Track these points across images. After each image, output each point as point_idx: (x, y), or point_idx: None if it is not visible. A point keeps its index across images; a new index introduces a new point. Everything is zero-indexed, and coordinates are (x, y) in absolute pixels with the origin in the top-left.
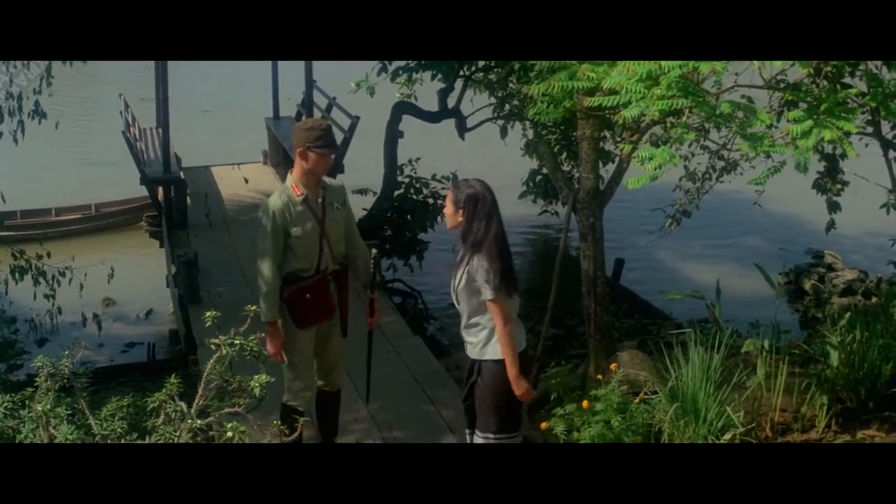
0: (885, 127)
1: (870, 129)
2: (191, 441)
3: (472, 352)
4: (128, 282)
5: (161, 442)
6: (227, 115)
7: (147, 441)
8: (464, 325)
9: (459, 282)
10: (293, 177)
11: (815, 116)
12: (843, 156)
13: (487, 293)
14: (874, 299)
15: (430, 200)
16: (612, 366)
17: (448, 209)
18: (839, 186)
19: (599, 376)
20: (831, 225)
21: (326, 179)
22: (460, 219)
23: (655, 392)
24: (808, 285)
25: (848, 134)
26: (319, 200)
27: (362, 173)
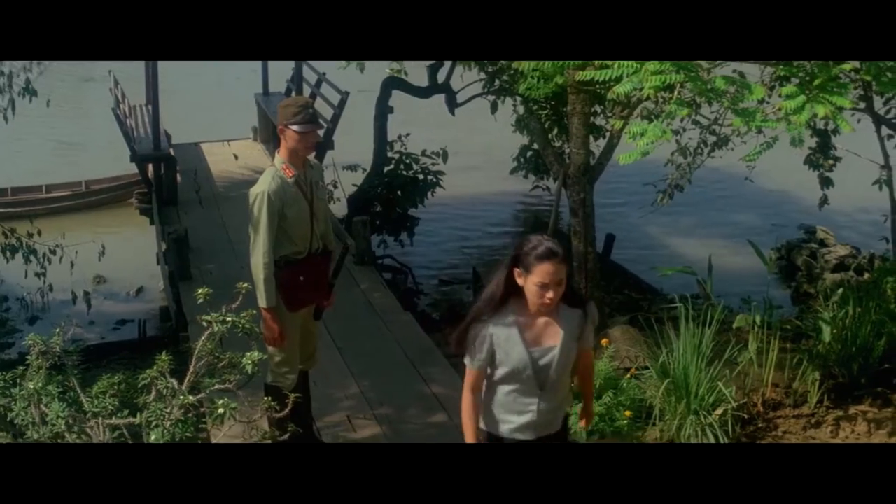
0: (878, 102)
1: (862, 105)
2: (182, 418)
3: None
4: (118, 259)
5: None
6: (217, 92)
7: (138, 419)
8: (556, 405)
9: (568, 348)
10: (281, 157)
11: (807, 92)
12: (836, 131)
13: (591, 339)
14: (867, 275)
15: (421, 176)
16: (603, 341)
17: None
18: (831, 162)
19: None
20: (824, 201)
21: (309, 159)
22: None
23: (646, 368)
24: (800, 261)
25: (841, 109)
26: (308, 180)
27: (352, 149)
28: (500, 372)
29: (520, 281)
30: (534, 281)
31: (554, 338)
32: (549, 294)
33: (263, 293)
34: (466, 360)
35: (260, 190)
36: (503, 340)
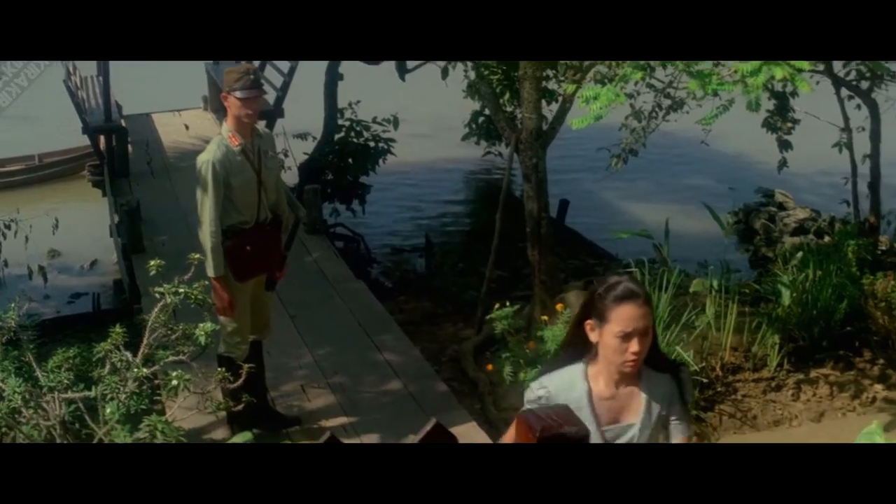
0: (837, 65)
1: (821, 67)
2: (136, 391)
3: None
4: (72, 232)
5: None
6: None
7: (93, 393)
8: None
9: (650, 425)
10: (228, 125)
11: None
12: (794, 94)
13: (687, 428)
14: (827, 238)
15: (371, 144)
16: (559, 306)
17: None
18: (790, 125)
19: (545, 317)
20: (783, 164)
21: (258, 128)
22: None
23: None
24: (758, 224)
25: (800, 71)
26: (255, 149)
27: (303, 118)
28: None
29: (593, 336)
30: (613, 331)
31: (634, 413)
32: (635, 347)
33: (211, 262)
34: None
35: (205, 159)
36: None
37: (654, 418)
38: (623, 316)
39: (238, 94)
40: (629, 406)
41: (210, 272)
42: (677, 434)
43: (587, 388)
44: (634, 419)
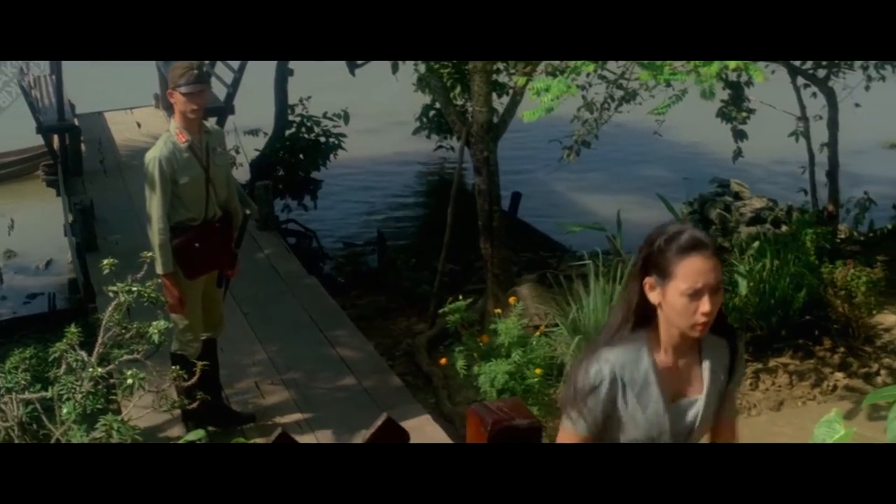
0: None
1: None
2: (92, 390)
3: None
4: (28, 232)
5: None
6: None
7: (50, 393)
8: None
9: (713, 399)
10: (175, 122)
11: None
12: (749, 83)
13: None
14: (784, 228)
15: (322, 139)
16: (511, 299)
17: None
18: (745, 114)
19: (498, 311)
20: (738, 153)
21: (208, 125)
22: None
23: (556, 325)
24: (713, 214)
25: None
26: (203, 146)
27: (254, 114)
28: (621, 437)
29: (653, 297)
30: (679, 288)
31: (698, 386)
32: (705, 307)
33: (159, 259)
34: (567, 421)
35: (152, 156)
36: (633, 394)
37: (717, 391)
38: (690, 270)
39: (182, 89)
40: (692, 378)
41: (158, 269)
42: (728, 405)
43: (652, 361)
44: (699, 393)
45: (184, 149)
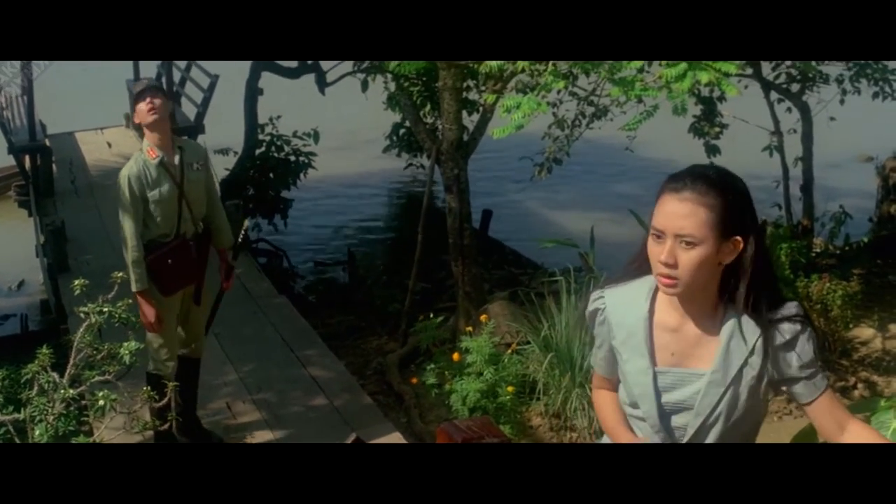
0: (766, 68)
1: (749, 71)
2: (64, 412)
3: None
4: (0, 253)
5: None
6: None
7: (22, 415)
8: None
9: (726, 383)
10: (147, 140)
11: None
12: (722, 98)
13: (821, 380)
14: None
15: (292, 158)
16: (483, 317)
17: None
18: (717, 129)
19: (470, 328)
20: None
21: (184, 140)
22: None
23: (528, 342)
24: None
25: (727, 75)
26: (177, 162)
27: (223, 133)
28: (621, 394)
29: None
30: (651, 228)
31: (705, 361)
32: (662, 255)
33: (133, 276)
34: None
35: (122, 174)
36: (620, 340)
37: (731, 375)
38: (659, 209)
39: (138, 96)
40: (700, 350)
41: (133, 287)
42: (807, 394)
43: (647, 311)
44: (704, 368)
45: (154, 165)
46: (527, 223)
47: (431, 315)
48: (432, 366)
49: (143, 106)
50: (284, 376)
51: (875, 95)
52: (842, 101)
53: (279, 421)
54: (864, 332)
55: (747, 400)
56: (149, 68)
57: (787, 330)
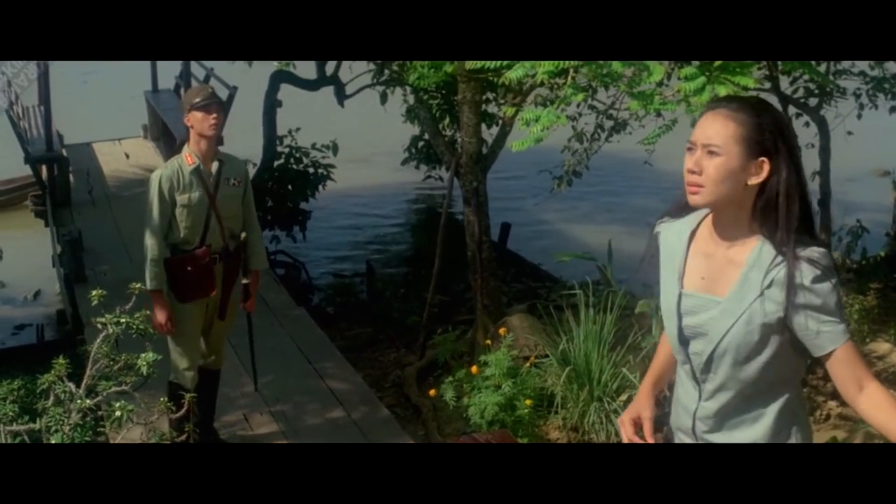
0: (784, 82)
1: (767, 85)
2: (80, 422)
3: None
4: (16, 263)
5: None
6: (106, 90)
7: (38, 425)
8: (717, 410)
9: (738, 313)
10: (189, 146)
11: (707, 73)
12: None
13: (840, 332)
14: None
15: (311, 170)
16: (501, 330)
17: (731, 157)
18: None
19: (488, 341)
20: None
21: (227, 154)
22: (760, 177)
23: (546, 356)
24: None
25: (746, 89)
26: (213, 173)
27: (242, 145)
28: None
29: None
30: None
31: (724, 289)
32: (689, 163)
33: (147, 274)
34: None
35: (154, 173)
36: (663, 259)
37: (744, 305)
38: (698, 124)
39: (198, 104)
40: (726, 277)
41: (147, 284)
42: (822, 345)
43: (689, 236)
44: (721, 295)
45: (189, 170)
46: (545, 236)
47: (450, 328)
48: (450, 379)
49: (206, 118)
50: (302, 388)
51: (892, 110)
52: (859, 116)
53: (296, 433)
54: (881, 346)
55: (761, 332)
56: (167, 79)
57: (809, 272)
